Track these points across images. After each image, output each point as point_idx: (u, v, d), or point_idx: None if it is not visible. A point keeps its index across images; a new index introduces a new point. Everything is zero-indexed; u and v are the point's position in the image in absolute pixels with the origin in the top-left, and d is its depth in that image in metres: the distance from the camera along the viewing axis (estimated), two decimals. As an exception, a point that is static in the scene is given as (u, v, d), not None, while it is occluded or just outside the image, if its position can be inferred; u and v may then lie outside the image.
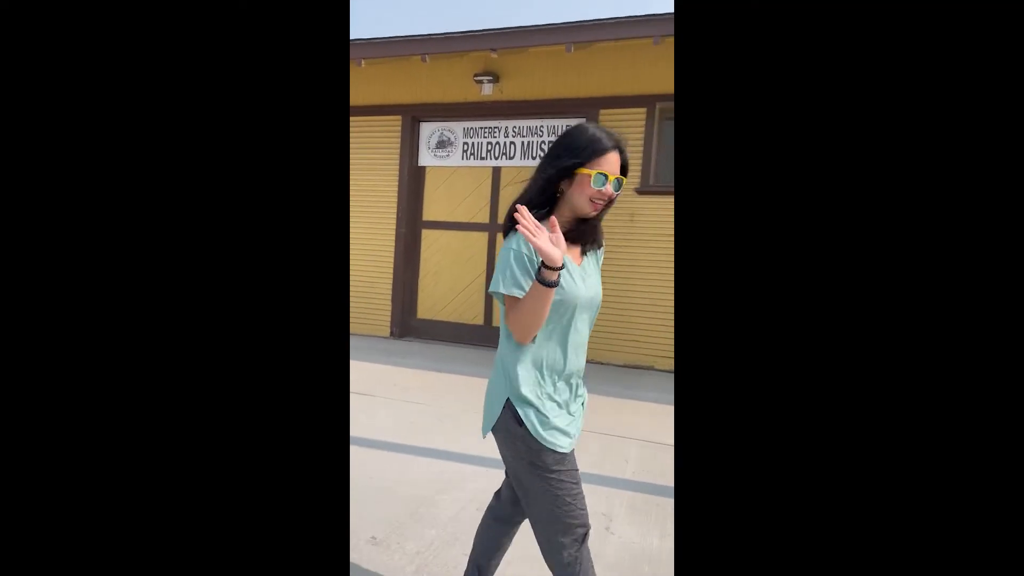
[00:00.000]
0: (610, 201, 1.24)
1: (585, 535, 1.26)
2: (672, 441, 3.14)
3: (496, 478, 2.42)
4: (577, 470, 1.27)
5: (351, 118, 6.08)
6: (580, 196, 1.21)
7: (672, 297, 4.80)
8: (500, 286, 1.19)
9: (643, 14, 4.58)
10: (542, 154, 5.61)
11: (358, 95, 6.03)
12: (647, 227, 5.08)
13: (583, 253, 1.30)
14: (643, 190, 5.05)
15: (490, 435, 1.31)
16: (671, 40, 4.68)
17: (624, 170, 1.24)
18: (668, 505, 2.48)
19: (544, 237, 1.09)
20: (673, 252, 4.64)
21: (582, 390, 1.35)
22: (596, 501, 2.41)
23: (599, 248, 1.36)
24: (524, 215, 1.08)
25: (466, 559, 1.65)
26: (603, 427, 3.40)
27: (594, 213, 1.23)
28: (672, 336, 4.98)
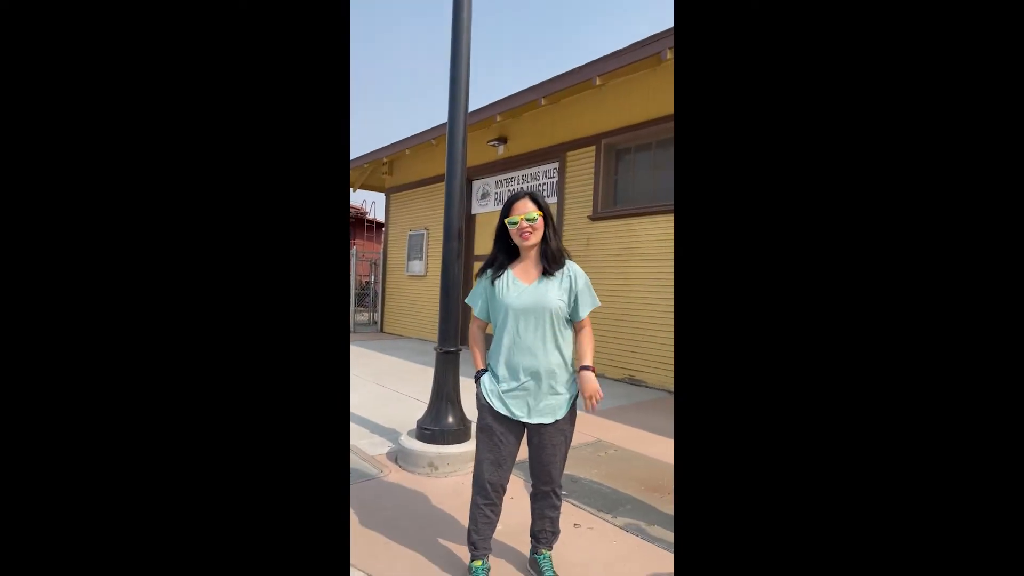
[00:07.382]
0: (535, 228, 1.77)
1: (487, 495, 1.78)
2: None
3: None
4: (501, 443, 1.77)
5: (433, 185, 8.36)
6: (514, 237, 1.81)
7: (625, 312, 5.47)
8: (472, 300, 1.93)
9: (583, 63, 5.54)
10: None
11: (429, 169, 8.30)
12: (599, 248, 5.83)
13: (544, 275, 1.80)
14: (595, 217, 5.89)
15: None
16: (610, 84, 5.57)
17: (540, 207, 1.79)
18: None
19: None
20: (622, 269, 5.44)
21: (542, 383, 1.77)
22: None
23: (560, 269, 1.81)
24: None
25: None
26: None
27: (527, 241, 1.78)
28: (623, 348, 5.56)
